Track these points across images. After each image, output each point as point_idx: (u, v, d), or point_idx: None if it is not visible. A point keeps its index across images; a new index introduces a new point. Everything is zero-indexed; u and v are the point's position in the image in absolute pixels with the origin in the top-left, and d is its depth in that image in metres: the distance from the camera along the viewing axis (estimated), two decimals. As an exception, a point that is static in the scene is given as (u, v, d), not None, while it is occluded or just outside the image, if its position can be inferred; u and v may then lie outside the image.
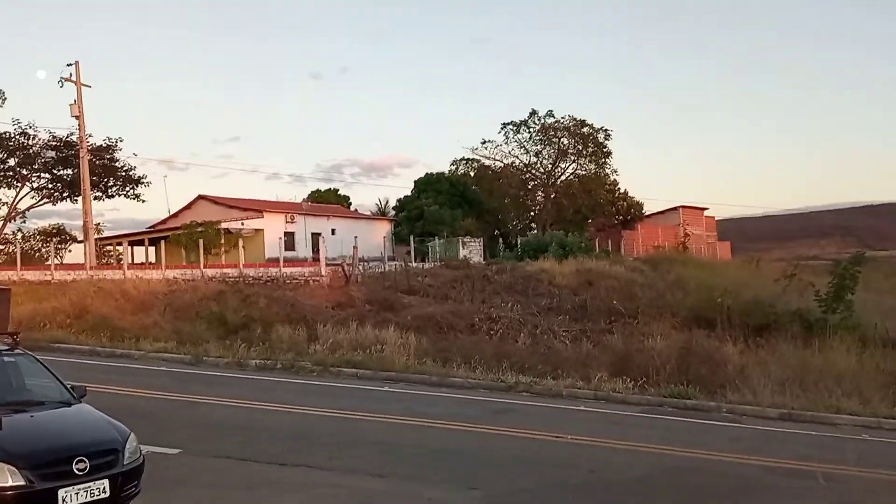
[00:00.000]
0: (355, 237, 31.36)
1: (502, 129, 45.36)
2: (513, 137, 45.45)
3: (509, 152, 46.17)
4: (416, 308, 25.50)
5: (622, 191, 48.46)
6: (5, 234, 38.67)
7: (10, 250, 37.33)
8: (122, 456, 5.82)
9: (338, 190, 62.68)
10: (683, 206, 52.69)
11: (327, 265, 29.57)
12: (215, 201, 42.45)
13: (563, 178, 46.16)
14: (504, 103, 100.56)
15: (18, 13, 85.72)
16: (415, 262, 33.12)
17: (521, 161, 46.46)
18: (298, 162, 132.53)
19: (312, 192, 60.31)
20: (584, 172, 45.55)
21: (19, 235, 40.63)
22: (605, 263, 30.43)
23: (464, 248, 35.51)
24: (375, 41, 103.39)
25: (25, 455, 5.28)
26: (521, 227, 49.38)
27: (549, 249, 32.34)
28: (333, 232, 40.38)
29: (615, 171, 46.60)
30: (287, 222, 41.53)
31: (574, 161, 45.54)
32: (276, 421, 10.34)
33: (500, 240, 44.51)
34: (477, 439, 10.05)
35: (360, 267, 30.03)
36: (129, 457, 5.90)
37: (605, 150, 44.80)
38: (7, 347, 6.96)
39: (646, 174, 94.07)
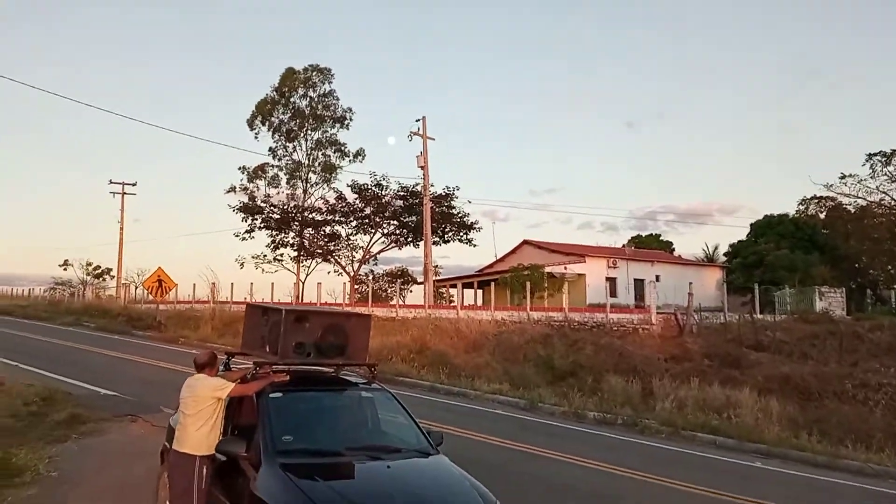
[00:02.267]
0: (690, 283, 28.40)
1: (868, 160, 38.24)
2: (881, 171, 37.96)
3: (877, 188, 38.64)
4: (766, 367, 21.79)
5: None
6: (360, 274, 43.46)
7: (364, 290, 41.89)
8: (488, 532, 4.59)
9: (660, 235, 59.64)
10: None
11: (657, 313, 27.20)
12: (539, 246, 42.83)
13: (948, 218, 37.14)
14: (856, 136, 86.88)
15: (378, 73, 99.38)
16: (759, 313, 28.87)
17: (892, 198, 38.59)
18: (611, 211, 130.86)
19: (633, 237, 58.19)
20: (984, 210, 36.10)
21: (370, 276, 45.65)
22: None
23: (821, 299, 30.07)
24: (691, 86, 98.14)
25: (381, 519, 4.30)
26: (885, 277, 40.97)
27: (944, 304, 25.66)
28: (658, 278, 37.68)
29: None
30: (609, 267, 40.11)
31: (970, 196, 36.40)
32: (638, 492, 8.54)
33: (868, 290, 37.12)
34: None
35: (696, 316, 27.00)
36: (495, 534, 4.65)
37: None
38: (365, 381, 6.35)
39: None
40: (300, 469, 4.84)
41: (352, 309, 28.66)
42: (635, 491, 8.57)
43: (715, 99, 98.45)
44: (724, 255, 48.12)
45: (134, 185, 46.78)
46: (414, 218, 38.36)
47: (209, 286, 32.52)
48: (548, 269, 35.38)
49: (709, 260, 51.05)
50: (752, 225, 45.39)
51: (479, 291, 44.52)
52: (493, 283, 32.27)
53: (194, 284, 34.61)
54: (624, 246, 50.38)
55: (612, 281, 38.19)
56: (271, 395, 5.53)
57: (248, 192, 41.16)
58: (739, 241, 45.24)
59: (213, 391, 5.38)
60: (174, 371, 15.57)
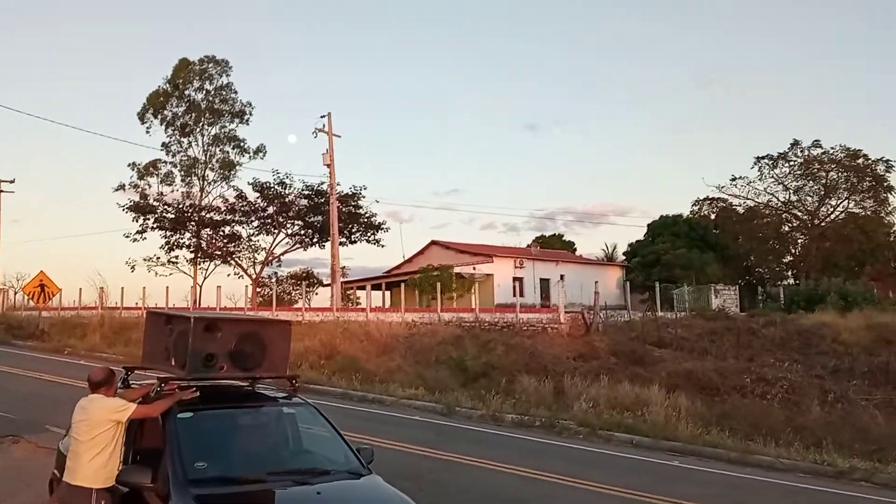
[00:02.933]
0: (595, 282, 29.09)
1: (756, 163, 40.60)
2: (768, 173, 40.46)
3: (765, 189, 41.14)
4: (669, 363, 22.58)
5: (902, 231, 40.92)
6: (262, 277, 41.80)
7: (266, 293, 40.36)
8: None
9: (562, 236, 61.07)
10: None
11: (566, 312, 27.65)
12: (447, 246, 42.75)
13: (829, 218, 40.05)
14: (746, 140, 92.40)
15: (279, 70, 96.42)
16: (660, 310, 29.94)
17: (778, 199, 41.20)
18: (513, 212, 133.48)
19: (536, 237, 59.29)
20: (859, 211, 39.09)
21: (274, 279, 44.02)
22: (903, 317, 24.98)
23: (716, 296, 31.56)
24: (588, 91, 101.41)
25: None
26: (771, 274, 43.71)
27: (828, 300, 27.47)
28: (562, 278, 38.49)
29: (897, 210, 39.47)
30: (516, 267, 40.58)
31: (846, 199, 39.34)
32: (569, 498, 8.35)
33: (759, 288, 39.43)
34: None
35: (601, 315, 27.65)
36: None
37: (885, 184, 38.12)
38: (285, 395, 5.77)
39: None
40: (217, 500, 4.26)
41: (256, 314, 27.38)
42: (565, 497, 8.40)
43: (611, 104, 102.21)
44: (623, 254, 49.73)
45: (12, 181, 43.06)
46: (319, 218, 37.21)
47: (97, 291, 30.31)
48: (457, 270, 35.33)
49: (609, 259, 52.76)
50: (648, 225, 47.04)
51: (387, 293, 43.95)
52: (402, 285, 31.75)
53: (80, 289, 31.95)
54: (529, 246, 51.22)
55: (519, 281, 38.70)
56: (179, 416, 4.87)
57: (139, 189, 38.75)
58: (637, 241, 46.71)
59: (112, 413, 4.67)
60: (61, 384, 14.20)
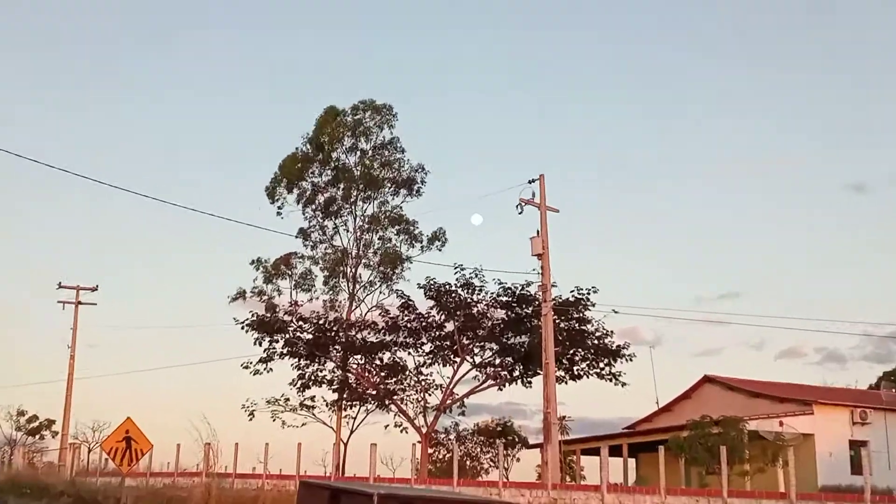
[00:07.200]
0: None
1: None
2: None
3: None
4: None
5: None
6: (436, 431, 41.37)
7: (443, 455, 40.32)
8: None
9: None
10: None
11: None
12: (730, 386, 41.25)
13: None
14: None
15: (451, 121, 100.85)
16: None
17: None
18: (833, 328, 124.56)
19: (886, 373, 55.19)
20: None
21: (453, 434, 43.73)
22: None
23: None
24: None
25: None
26: None
27: None
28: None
29: None
30: (854, 423, 37.90)
31: None
32: None
33: None
34: None
35: None
36: None
37: None
38: None
39: None
40: None
41: (455, 491, 27.09)
42: None
43: None
44: None
45: (94, 290, 47.88)
46: (523, 339, 36.62)
47: (202, 447, 31.83)
48: (751, 426, 33.37)
49: None
50: None
51: (631, 461, 42.53)
52: (659, 448, 30.19)
53: (178, 445, 33.79)
54: (877, 387, 47.93)
55: (861, 446, 35.77)
56: None
57: (265, 298, 41.02)
58: None
59: None
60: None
